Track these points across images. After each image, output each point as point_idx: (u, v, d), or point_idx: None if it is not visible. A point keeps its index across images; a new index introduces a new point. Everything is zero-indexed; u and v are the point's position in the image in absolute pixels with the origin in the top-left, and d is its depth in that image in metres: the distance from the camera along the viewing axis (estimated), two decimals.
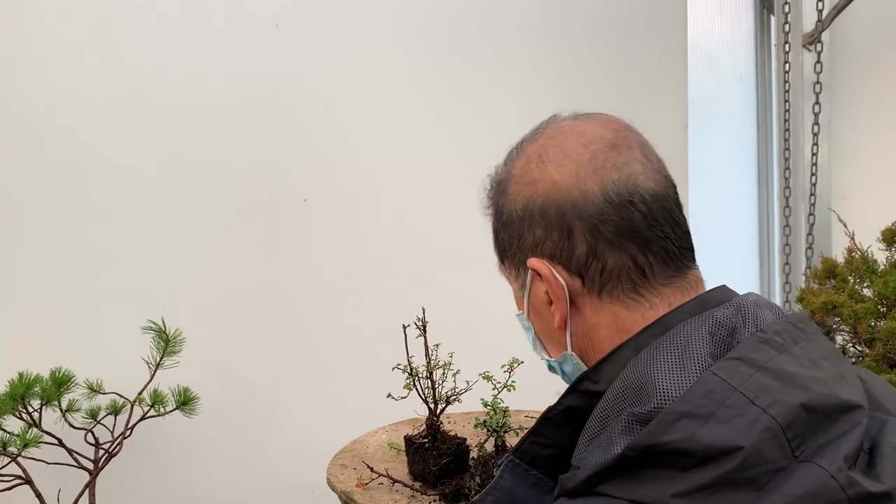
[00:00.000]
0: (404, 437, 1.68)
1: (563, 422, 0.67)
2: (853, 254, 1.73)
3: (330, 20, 2.49)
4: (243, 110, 2.40)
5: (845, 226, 1.79)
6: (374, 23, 2.54)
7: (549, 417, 0.68)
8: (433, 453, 1.58)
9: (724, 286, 0.72)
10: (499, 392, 1.64)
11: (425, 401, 1.64)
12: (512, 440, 1.67)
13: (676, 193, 0.72)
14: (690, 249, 0.72)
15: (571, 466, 0.63)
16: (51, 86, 2.20)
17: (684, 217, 0.72)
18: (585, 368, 0.72)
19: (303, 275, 2.47)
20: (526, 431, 0.70)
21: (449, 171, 2.62)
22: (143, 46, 2.29)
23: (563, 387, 0.71)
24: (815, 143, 2.62)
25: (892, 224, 1.68)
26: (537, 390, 1.81)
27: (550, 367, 0.79)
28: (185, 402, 2.06)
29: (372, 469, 1.59)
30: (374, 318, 2.39)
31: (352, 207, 2.53)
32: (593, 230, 0.67)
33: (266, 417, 2.43)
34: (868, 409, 0.60)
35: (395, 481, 1.57)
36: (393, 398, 1.62)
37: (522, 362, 1.64)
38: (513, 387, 1.62)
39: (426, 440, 1.62)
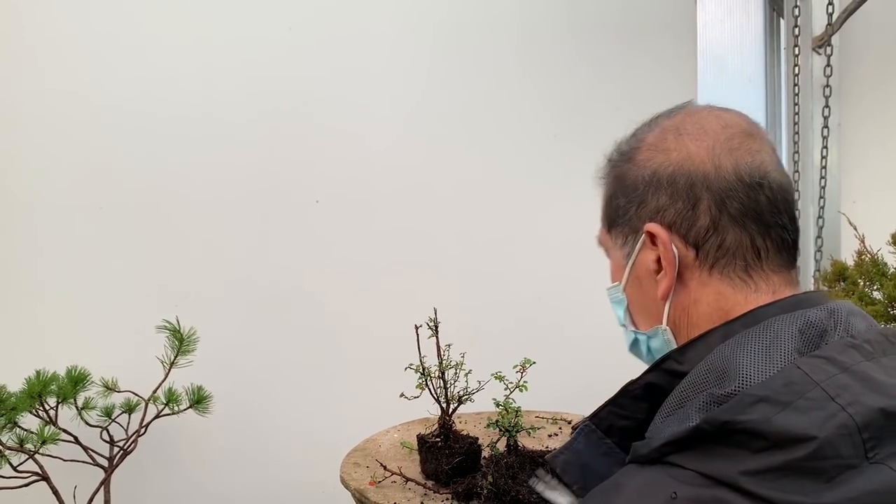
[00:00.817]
0: (417, 436, 1.70)
1: (642, 396, 0.69)
2: (863, 256, 1.73)
3: (342, 23, 2.51)
4: (256, 113, 2.42)
5: (855, 229, 1.79)
6: (387, 26, 2.56)
7: (629, 390, 0.70)
8: (445, 452, 1.60)
9: (820, 291, 0.74)
10: (511, 392, 1.65)
11: (437, 400, 1.65)
12: (524, 440, 1.68)
13: (795, 196, 0.73)
14: (797, 249, 0.74)
15: (645, 439, 0.64)
16: (67, 88, 2.23)
17: (797, 219, 0.75)
18: (674, 346, 0.73)
19: (315, 275, 2.49)
20: (605, 400, 0.71)
21: (461, 172, 2.63)
22: (156, 50, 2.31)
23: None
24: (825, 146, 2.62)
25: None
26: (549, 391, 1.83)
27: (634, 343, 0.80)
28: (198, 400, 2.08)
29: (385, 467, 1.60)
30: (386, 318, 2.41)
31: (363, 208, 2.55)
32: (720, 204, 0.69)
33: (279, 416, 2.45)
34: None
35: (408, 480, 1.59)
36: (405, 398, 1.64)
37: (534, 363, 1.65)
38: (525, 387, 1.63)
39: (438, 439, 1.63)
